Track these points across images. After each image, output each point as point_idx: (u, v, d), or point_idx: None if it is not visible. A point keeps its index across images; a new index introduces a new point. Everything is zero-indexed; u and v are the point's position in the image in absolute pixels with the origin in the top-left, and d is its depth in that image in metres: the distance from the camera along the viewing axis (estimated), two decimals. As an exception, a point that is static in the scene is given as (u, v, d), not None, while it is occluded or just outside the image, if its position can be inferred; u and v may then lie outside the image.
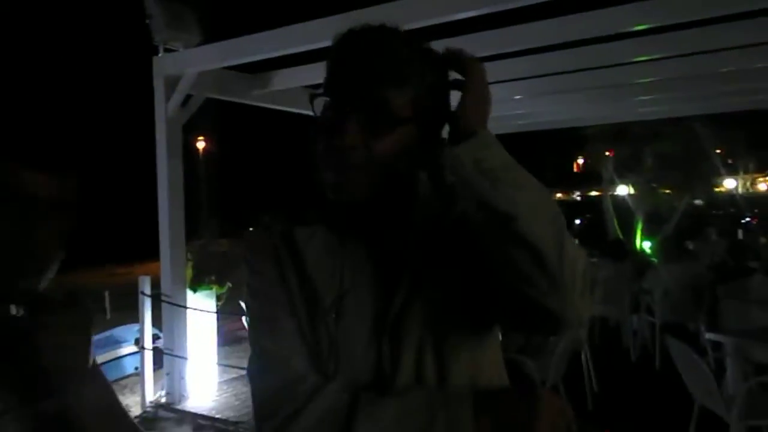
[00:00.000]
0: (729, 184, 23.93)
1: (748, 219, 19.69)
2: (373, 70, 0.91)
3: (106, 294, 19.25)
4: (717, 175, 16.95)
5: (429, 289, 0.97)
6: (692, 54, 5.11)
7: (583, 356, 4.88)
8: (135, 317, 10.29)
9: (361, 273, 0.98)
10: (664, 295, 5.90)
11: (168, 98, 5.02)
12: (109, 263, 30.43)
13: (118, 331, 8.39)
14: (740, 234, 13.57)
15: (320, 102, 0.97)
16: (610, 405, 4.67)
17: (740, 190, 25.88)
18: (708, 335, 3.85)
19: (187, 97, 5.16)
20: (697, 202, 19.48)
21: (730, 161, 21.75)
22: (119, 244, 30.89)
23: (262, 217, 1.04)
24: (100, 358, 8.26)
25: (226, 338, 7.19)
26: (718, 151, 16.46)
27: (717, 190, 22.91)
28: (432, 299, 0.97)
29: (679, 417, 3.70)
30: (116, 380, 6.89)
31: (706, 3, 3.90)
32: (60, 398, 1.07)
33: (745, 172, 25.88)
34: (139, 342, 8.08)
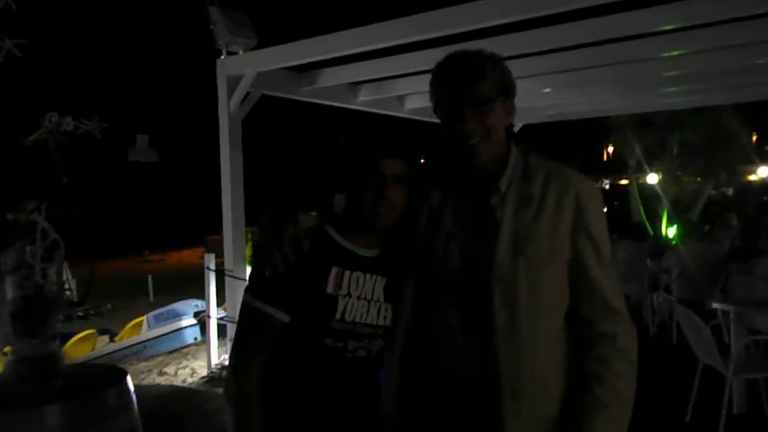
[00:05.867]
0: (763, 171, 23.73)
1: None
2: (466, 74, 1.51)
3: (149, 278, 20.27)
4: (747, 163, 16.96)
5: (508, 235, 1.51)
6: (719, 49, 5.27)
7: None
8: (173, 299, 11.08)
9: (463, 218, 1.57)
10: (681, 273, 6.34)
11: (230, 96, 5.65)
12: (144, 251, 31.60)
13: (179, 306, 9.14)
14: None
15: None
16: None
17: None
18: (714, 305, 4.32)
19: (246, 95, 5.78)
20: (727, 191, 19.49)
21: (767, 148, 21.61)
22: (153, 233, 32.11)
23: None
24: (164, 330, 9.06)
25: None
26: (753, 138, 16.40)
27: (750, 177, 22.78)
28: (512, 244, 1.50)
29: (688, 378, 4.19)
30: (179, 349, 7.62)
31: (730, 7, 4.13)
32: None
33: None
34: (197, 315, 8.85)
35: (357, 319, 1.55)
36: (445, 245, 1.56)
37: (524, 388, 1.48)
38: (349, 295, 1.55)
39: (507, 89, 1.55)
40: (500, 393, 1.47)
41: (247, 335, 1.57)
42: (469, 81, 1.50)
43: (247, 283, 1.61)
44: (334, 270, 1.55)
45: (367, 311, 1.57)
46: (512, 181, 1.56)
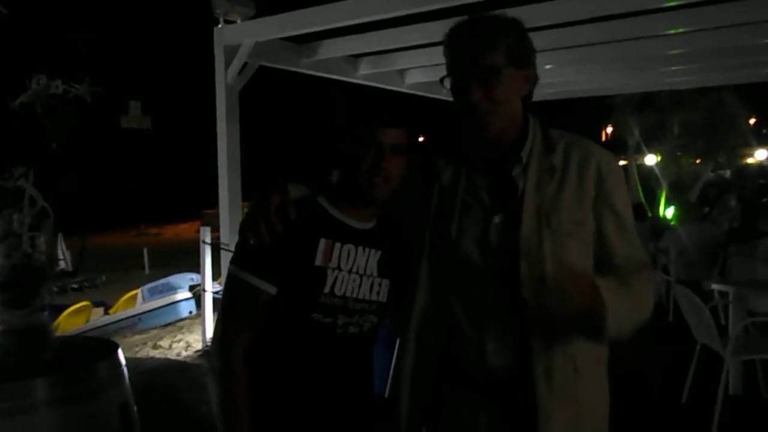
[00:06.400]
0: (760, 154, 23.66)
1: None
2: (473, 43, 1.41)
3: (145, 251, 20.24)
4: (746, 145, 16.91)
5: (528, 210, 1.42)
6: (721, 27, 5.19)
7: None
8: (168, 272, 11.01)
9: (477, 192, 1.49)
10: (679, 254, 6.32)
11: (227, 66, 5.52)
12: (141, 224, 31.53)
13: (174, 279, 9.11)
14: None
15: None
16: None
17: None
18: (713, 286, 4.28)
19: (243, 66, 5.65)
20: (725, 173, 19.46)
21: (765, 131, 21.52)
22: (150, 207, 32.02)
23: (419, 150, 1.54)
24: (159, 303, 9.08)
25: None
26: (752, 120, 16.32)
27: (748, 161, 22.73)
28: (526, 219, 1.41)
29: (685, 358, 4.17)
30: (173, 322, 7.60)
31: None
32: None
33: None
34: (192, 289, 8.83)
35: (348, 294, 1.48)
36: (460, 222, 1.47)
37: (558, 366, 1.41)
38: (339, 268, 1.47)
39: (522, 58, 1.43)
40: (534, 374, 1.40)
41: (233, 308, 1.50)
42: (476, 50, 1.39)
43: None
44: (324, 241, 1.47)
45: (359, 286, 1.50)
46: (533, 152, 1.47)
